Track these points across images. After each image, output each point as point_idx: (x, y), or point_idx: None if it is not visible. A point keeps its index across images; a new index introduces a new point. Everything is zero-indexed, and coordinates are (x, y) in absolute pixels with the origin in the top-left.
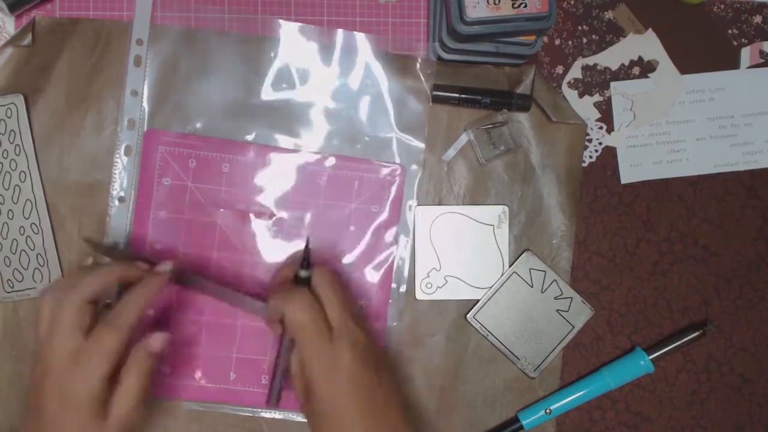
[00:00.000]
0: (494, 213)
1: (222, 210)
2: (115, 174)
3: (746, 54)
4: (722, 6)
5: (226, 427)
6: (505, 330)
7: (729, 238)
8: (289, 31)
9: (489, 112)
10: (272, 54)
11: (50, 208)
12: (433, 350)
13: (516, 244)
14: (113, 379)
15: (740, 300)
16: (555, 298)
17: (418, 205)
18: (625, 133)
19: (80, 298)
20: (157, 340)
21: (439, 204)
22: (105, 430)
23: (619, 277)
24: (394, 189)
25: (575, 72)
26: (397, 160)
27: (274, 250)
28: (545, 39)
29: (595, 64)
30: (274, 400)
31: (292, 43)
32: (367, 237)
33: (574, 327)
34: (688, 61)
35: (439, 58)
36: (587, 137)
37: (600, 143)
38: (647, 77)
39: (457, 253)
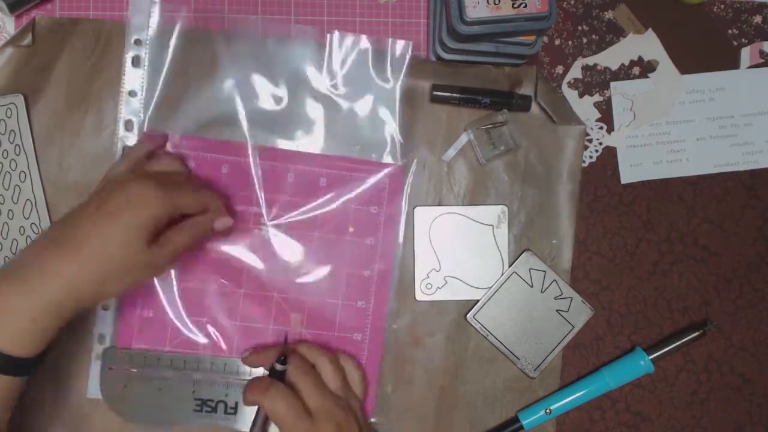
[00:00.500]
0: (493, 213)
1: None
2: None
3: (746, 54)
4: (722, 6)
5: None
6: (505, 330)
7: (729, 238)
8: (288, 31)
9: (489, 112)
10: (271, 54)
11: (50, 208)
12: (433, 350)
13: (516, 244)
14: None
15: (740, 300)
16: (555, 298)
17: (417, 205)
18: (625, 133)
19: (169, 209)
20: (221, 222)
21: (439, 204)
22: (151, 248)
23: (619, 277)
24: (393, 189)
25: (575, 72)
26: (397, 161)
27: (273, 251)
28: (545, 39)
29: (595, 64)
30: None
31: (292, 43)
32: (367, 238)
33: (574, 327)
34: (688, 61)
35: (439, 58)
36: (587, 137)
37: (600, 143)
38: (647, 77)
39: (457, 254)
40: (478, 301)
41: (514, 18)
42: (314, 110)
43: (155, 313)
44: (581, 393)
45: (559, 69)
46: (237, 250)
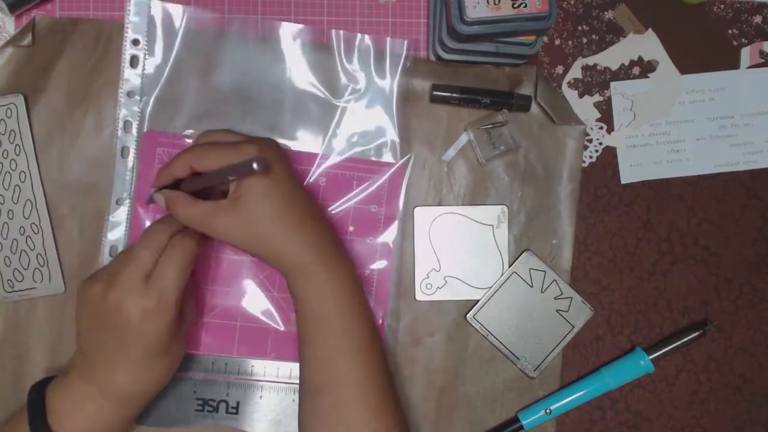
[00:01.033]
0: (493, 213)
1: None
2: (113, 176)
3: (746, 54)
4: (722, 6)
5: None
6: (505, 330)
7: (729, 238)
8: (288, 31)
9: (489, 112)
10: (271, 55)
11: (50, 208)
12: (433, 350)
13: (516, 244)
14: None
15: (740, 300)
16: (555, 298)
17: (417, 205)
18: (625, 133)
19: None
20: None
21: (439, 204)
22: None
23: (619, 277)
24: (392, 189)
25: (575, 72)
26: (396, 160)
27: None
28: (545, 39)
29: (595, 64)
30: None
31: (291, 43)
32: (367, 237)
33: (574, 327)
34: (688, 61)
35: (439, 58)
36: (587, 137)
37: (600, 143)
38: (647, 77)
39: (457, 254)
40: (478, 301)
41: (514, 18)
42: (314, 110)
43: None
44: (581, 393)
45: (559, 69)
46: (236, 249)
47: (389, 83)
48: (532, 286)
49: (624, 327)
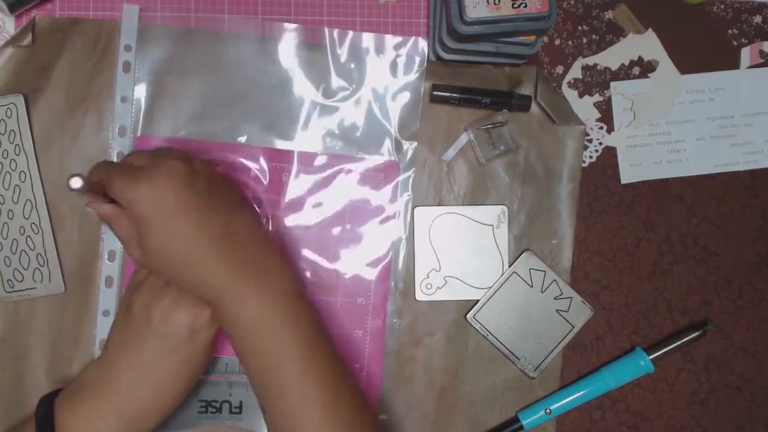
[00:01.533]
0: (493, 213)
1: None
2: None
3: (746, 54)
4: (722, 6)
5: None
6: (505, 330)
7: (729, 238)
8: (285, 31)
9: (489, 112)
10: (267, 55)
11: (50, 208)
12: (433, 350)
13: (516, 244)
14: None
15: (740, 300)
16: (555, 298)
17: (417, 205)
18: (625, 133)
19: None
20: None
21: (439, 204)
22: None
23: (619, 277)
24: (390, 187)
25: (575, 72)
26: (394, 158)
27: None
28: (545, 39)
29: (595, 64)
30: None
31: (288, 43)
32: (364, 235)
33: (574, 327)
34: (688, 61)
35: (439, 58)
36: (587, 137)
37: (600, 143)
38: (647, 77)
39: (457, 254)
40: (478, 301)
41: (514, 18)
42: (309, 108)
43: None
44: (581, 393)
45: (559, 69)
46: None
47: (390, 83)
48: (532, 286)
49: (624, 327)
